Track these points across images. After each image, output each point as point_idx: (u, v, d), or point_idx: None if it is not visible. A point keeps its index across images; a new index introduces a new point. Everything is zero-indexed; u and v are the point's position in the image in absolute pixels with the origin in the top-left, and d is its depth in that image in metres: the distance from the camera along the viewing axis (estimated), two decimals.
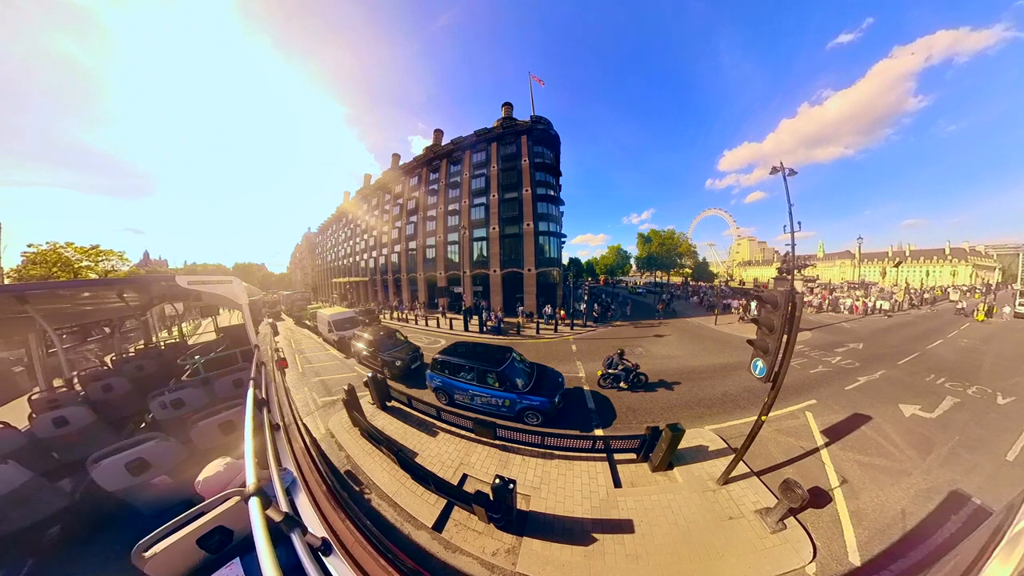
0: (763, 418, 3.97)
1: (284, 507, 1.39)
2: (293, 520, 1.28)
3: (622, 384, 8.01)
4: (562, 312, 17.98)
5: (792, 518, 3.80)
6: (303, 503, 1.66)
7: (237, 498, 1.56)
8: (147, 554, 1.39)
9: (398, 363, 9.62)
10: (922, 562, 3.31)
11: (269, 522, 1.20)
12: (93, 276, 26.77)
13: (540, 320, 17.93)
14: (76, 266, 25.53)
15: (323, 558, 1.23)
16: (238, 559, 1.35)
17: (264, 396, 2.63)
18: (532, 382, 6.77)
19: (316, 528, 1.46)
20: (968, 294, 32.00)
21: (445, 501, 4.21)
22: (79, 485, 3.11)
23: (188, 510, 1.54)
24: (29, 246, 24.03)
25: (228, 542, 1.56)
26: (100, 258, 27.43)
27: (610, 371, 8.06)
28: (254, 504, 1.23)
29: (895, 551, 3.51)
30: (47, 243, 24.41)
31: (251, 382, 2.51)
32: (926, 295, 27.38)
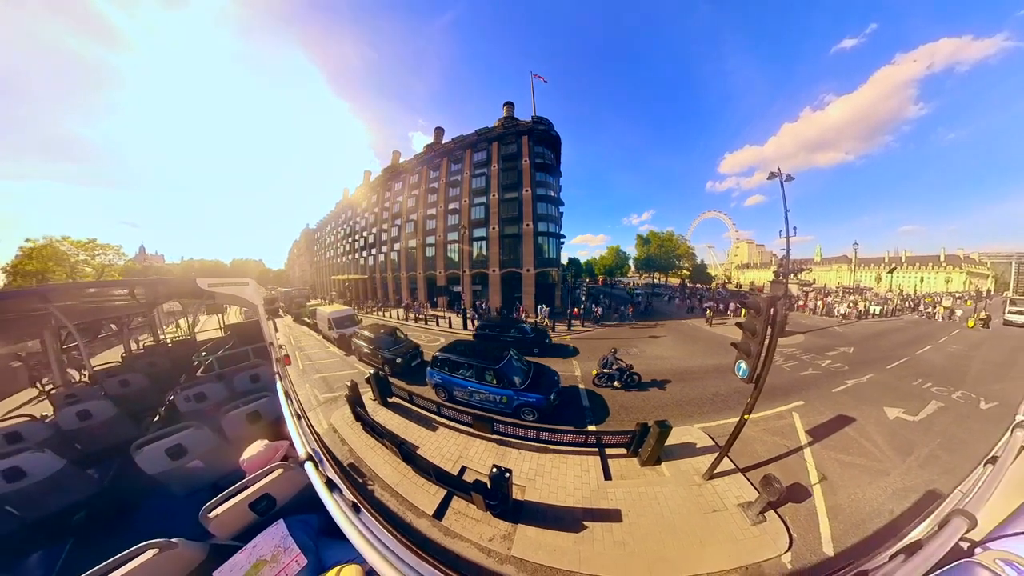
0: (746, 417, 4.19)
1: (325, 473, 1.64)
2: (333, 483, 1.52)
3: (616, 383, 8.23)
4: (576, 310, 18.27)
5: (772, 511, 4.01)
6: (331, 474, 1.89)
7: (280, 470, 1.85)
8: (211, 515, 1.68)
9: (398, 360, 9.84)
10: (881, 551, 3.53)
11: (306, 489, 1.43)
12: (89, 270, 26.79)
13: (545, 320, 18.13)
14: (72, 260, 25.55)
15: (355, 516, 1.46)
16: (282, 520, 1.61)
17: (286, 388, 2.87)
18: (529, 380, 6.97)
19: (345, 493, 1.70)
20: (959, 301, 32.79)
21: (445, 491, 4.41)
22: (108, 472, 3.35)
23: (217, 491, 1.79)
24: (27, 240, 24.05)
25: (273, 507, 1.83)
26: (97, 252, 27.43)
27: (604, 370, 8.28)
28: (310, 467, 1.48)
29: (867, 544, 3.74)
30: (43, 237, 24.44)
31: (277, 375, 2.75)
32: (923, 302, 28.21)
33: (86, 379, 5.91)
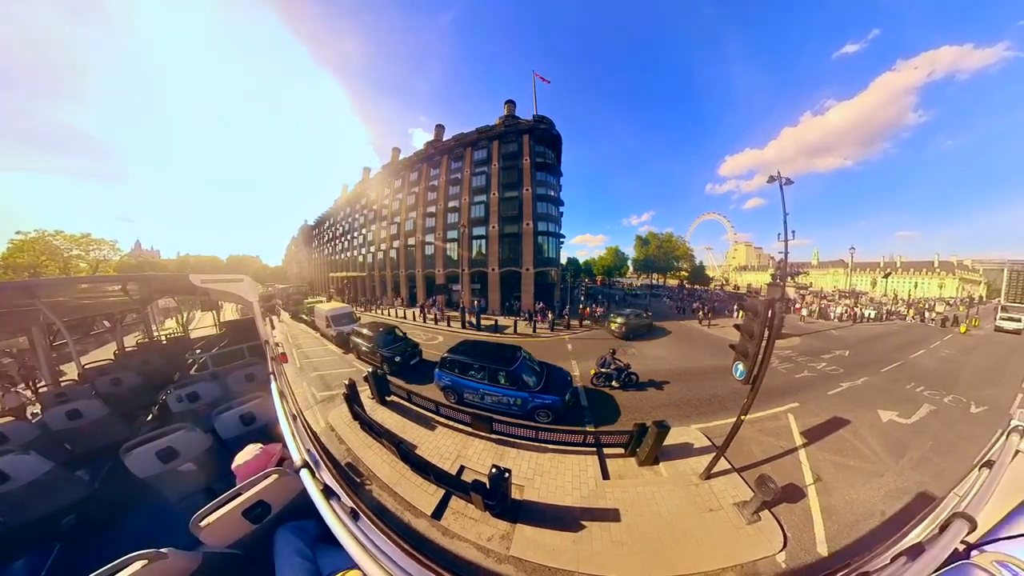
0: (742, 418, 4.23)
1: (322, 480, 1.61)
2: (330, 490, 1.50)
3: (614, 383, 8.24)
4: (586, 310, 18.56)
5: (767, 511, 4.05)
6: (328, 479, 1.86)
7: (275, 476, 1.79)
8: (203, 523, 1.62)
9: (397, 359, 9.79)
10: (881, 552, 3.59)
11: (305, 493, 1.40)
12: (84, 266, 26.44)
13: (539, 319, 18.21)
14: (66, 255, 25.15)
15: (354, 523, 1.44)
16: (278, 528, 1.58)
17: (282, 388, 2.82)
18: (543, 381, 6.81)
19: (344, 499, 1.67)
20: (951, 306, 33.98)
21: (443, 491, 4.40)
22: (98, 475, 3.27)
23: (210, 495, 1.75)
24: (17, 233, 23.64)
25: (268, 514, 1.78)
26: (91, 247, 27.01)
27: (603, 370, 8.29)
28: (305, 474, 1.45)
29: (860, 544, 3.78)
30: (35, 231, 24.01)
31: (271, 375, 2.71)
32: (919, 307, 29.64)
33: (74, 380, 5.73)
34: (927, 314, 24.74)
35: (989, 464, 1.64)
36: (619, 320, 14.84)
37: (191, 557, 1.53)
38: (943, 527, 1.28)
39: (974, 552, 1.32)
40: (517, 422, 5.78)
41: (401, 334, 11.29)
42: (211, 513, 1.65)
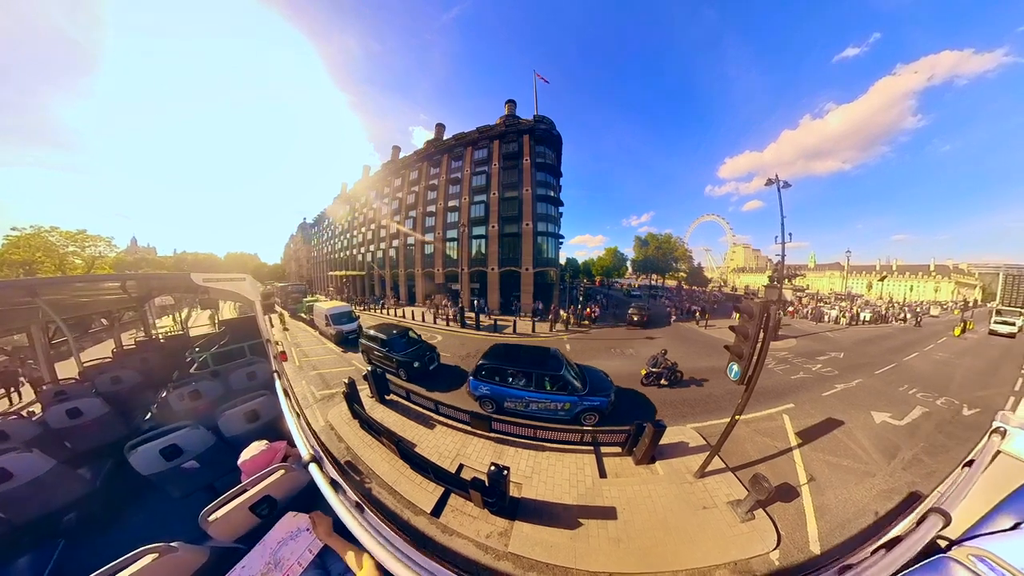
0: (737, 417, 4.30)
1: (329, 474, 1.66)
2: (337, 484, 1.55)
3: (663, 381, 8.45)
4: (588, 310, 18.94)
5: (761, 510, 4.12)
6: (333, 474, 1.91)
7: (282, 471, 1.84)
8: (211, 518, 1.67)
9: (415, 364, 9.15)
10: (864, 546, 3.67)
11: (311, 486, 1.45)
12: (79, 262, 26.26)
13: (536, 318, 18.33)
14: (61, 252, 24.95)
15: (360, 516, 1.49)
16: (288, 514, 1.61)
17: (285, 386, 2.85)
18: (587, 382, 6.66)
19: (349, 493, 1.72)
20: (945, 310, 35.07)
21: (443, 489, 4.45)
22: (100, 473, 3.28)
23: (213, 492, 1.78)
24: (13, 229, 23.46)
25: (274, 508, 1.83)
26: (87, 244, 26.80)
27: (653, 369, 8.48)
28: (314, 468, 1.49)
29: (852, 542, 3.86)
30: (31, 226, 23.83)
31: (276, 373, 2.74)
32: (917, 311, 30.93)
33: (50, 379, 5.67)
34: (904, 313, 27.86)
35: (970, 463, 1.71)
36: (639, 312, 17.91)
37: (199, 551, 1.56)
38: (920, 521, 1.34)
39: (954, 548, 1.38)
40: (514, 420, 5.82)
41: (415, 336, 10.52)
42: (219, 508, 1.70)
